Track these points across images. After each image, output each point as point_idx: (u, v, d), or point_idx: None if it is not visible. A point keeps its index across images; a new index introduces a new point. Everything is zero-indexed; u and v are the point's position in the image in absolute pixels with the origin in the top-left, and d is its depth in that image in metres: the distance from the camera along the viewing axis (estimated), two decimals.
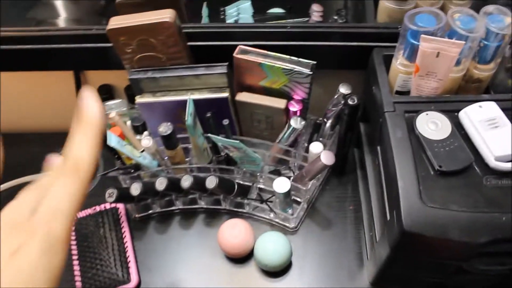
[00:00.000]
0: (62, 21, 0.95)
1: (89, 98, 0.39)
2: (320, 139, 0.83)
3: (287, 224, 0.85)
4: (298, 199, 0.85)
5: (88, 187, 0.38)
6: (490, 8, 0.63)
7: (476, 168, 0.59)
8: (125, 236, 0.85)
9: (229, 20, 0.88)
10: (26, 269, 0.32)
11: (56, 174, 0.37)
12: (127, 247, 0.84)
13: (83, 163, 0.37)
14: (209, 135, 0.77)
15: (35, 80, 0.96)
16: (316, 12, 0.88)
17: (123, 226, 0.87)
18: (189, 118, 0.73)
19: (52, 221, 0.34)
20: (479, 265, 0.60)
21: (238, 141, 0.74)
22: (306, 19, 0.88)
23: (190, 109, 0.74)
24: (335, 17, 0.85)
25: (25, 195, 0.36)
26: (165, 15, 0.70)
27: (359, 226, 0.85)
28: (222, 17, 0.88)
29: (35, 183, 0.37)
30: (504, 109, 0.61)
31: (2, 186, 0.91)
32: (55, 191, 0.35)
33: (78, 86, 0.94)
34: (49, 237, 0.33)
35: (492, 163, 0.57)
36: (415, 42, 0.64)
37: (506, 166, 0.57)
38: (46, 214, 0.34)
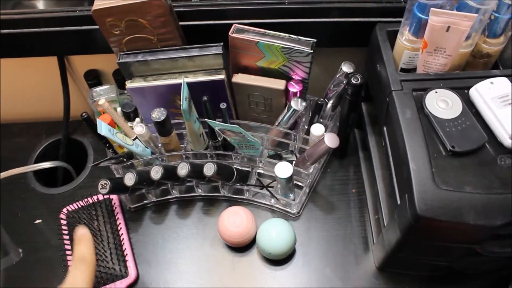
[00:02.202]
0: (41, 3, 0.89)
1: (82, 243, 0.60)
2: (321, 120, 0.80)
3: (289, 210, 0.82)
4: (300, 184, 0.82)
5: None
6: None
7: (490, 147, 0.56)
8: (120, 228, 0.82)
9: None
10: None
11: None
12: (123, 239, 0.80)
13: None
14: (206, 119, 0.73)
15: (16, 67, 0.91)
16: None
17: (117, 218, 0.83)
18: (184, 102, 0.69)
19: None
20: (493, 248, 0.59)
21: (236, 126, 0.70)
22: None
23: (184, 93, 0.70)
24: None
25: None
26: None
27: (363, 209, 0.82)
28: None
29: None
30: None
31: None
32: None
33: (63, 72, 0.89)
34: None
35: (507, 141, 0.55)
36: (423, 16, 0.61)
37: None
38: None
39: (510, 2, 0.58)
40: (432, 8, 0.58)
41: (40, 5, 0.88)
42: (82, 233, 0.62)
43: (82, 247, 0.60)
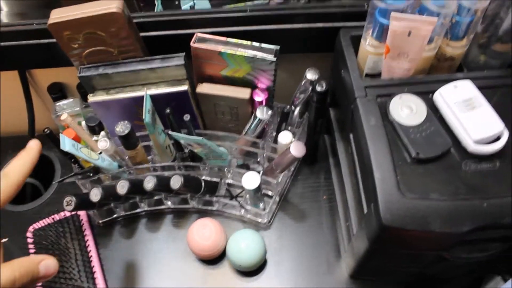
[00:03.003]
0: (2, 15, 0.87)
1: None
2: (289, 127, 0.79)
3: (260, 220, 0.81)
4: (269, 193, 0.81)
5: None
6: None
7: (455, 152, 0.56)
8: (88, 245, 0.80)
9: (184, 7, 0.82)
10: None
11: None
12: (91, 256, 0.79)
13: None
14: (170, 132, 0.71)
15: None
16: None
17: (86, 234, 0.81)
18: (146, 115, 0.68)
19: None
20: (461, 253, 0.58)
21: (201, 138, 0.69)
22: (266, 1, 0.82)
23: (147, 105, 0.68)
24: None
25: None
26: (112, 5, 0.64)
27: (334, 216, 0.81)
28: (177, 2, 0.82)
29: None
30: (479, 88, 0.58)
31: None
32: None
33: (25, 86, 0.86)
34: None
35: (471, 147, 0.54)
36: (385, 21, 0.60)
37: (485, 149, 0.54)
38: None
39: (469, 5, 0.57)
40: (392, 13, 0.57)
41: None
42: (30, 145, 0.53)
43: (15, 160, 0.51)
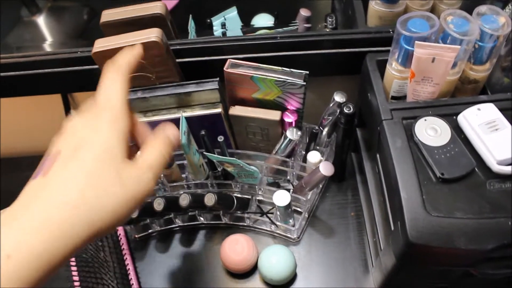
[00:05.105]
0: (45, 45, 0.93)
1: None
2: (317, 147, 0.82)
3: (289, 235, 0.84)
4: (299, 209, 0.84)
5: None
6: (482, 8, 0.62)
7: (479, 172, 0.58)
8: (126, 258, 0.84)
9: (217, 32, 0.86)
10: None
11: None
12: (129, 269, 0.82)
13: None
14: (205, 153, 0.75)
15: (23, 105, 0.94)
16: (304, 17, 0.87)
17: (123, 248, 0.85)
18: (183, 137, 0.72)
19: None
20: (486, 270, 0.60)
21: (234, 158, 0.72)
22: (296, 27, 0.86)
23: (183, 127, 0.72)
24: (325, 24, 0.84)
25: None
26: (152, 34, 0.69)
27: (362, 232, 0.84)
28: (209, 30, 0.86)
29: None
30: (502, 110, 0.60)
31: None
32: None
33: (67, 108, 0.92)
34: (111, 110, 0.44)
35: (495, 167, 0.57)
36: (409, 48, 0.63)
37: (508, 169, 0.56)
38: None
39: (491, 32, 0.60)
40: (416, 42, 0.60)
41: (44, 47, 0.92)
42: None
43: (120, 54, 0.50)
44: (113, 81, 0.47)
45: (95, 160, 0.42)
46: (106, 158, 0.42)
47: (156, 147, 0.46)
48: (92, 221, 0.40)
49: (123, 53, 0.50)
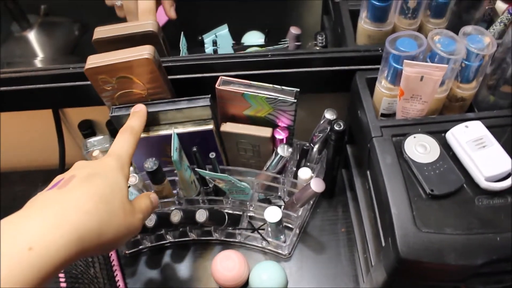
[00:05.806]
0: (36, 61, 0.93)
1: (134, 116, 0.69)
2: (308, 164, 0.83)
3: (281, 251, 0.84)
4: (290, 225, 0.85)
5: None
6: (468, 28, 0.63)
7: (467, 189, 0.59)
8: (116, 275, 0.83)
9: (208, 50, 0.87)
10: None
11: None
12: (119, 286, 0.82)
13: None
14: (196, 169, 0.76)
15: (14, 119, 0.93)
16: (294, 35, 0.88)
17: (114, 264, 0.85)
18: (174, 153, 0.72)
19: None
20: (476, 285, 0.60)
21: (225, 174, 0.73)
22: (286, 45, 0.87)
23: (175, 144, 0.73)
24: (315, 42, 0.85)
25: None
26: (144, 51, 0.69)
27: (353, 248, 0.84)
28: (200, 47, 0.87)
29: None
30: (489, 127, 0.62)
31: None
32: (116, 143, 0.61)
33: (58, 124, 0.92)
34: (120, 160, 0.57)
35: (483, 183, 0.58)
36: (398, 66, 0.64)
37: (496, 186, 0.57)
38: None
39: (477, 51, 0.61)
40: (405, 60, 0.61)
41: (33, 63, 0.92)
42: (139, 107, 0.70)
43: (133, 119, 0.67)
44: (126, 141, 0.62)
45: (107, 187, 0.50)
46: (115, 188, 0.51)
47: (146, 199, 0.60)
48: (101, 231, 0.46)
49: (135, 118, 0.67)
